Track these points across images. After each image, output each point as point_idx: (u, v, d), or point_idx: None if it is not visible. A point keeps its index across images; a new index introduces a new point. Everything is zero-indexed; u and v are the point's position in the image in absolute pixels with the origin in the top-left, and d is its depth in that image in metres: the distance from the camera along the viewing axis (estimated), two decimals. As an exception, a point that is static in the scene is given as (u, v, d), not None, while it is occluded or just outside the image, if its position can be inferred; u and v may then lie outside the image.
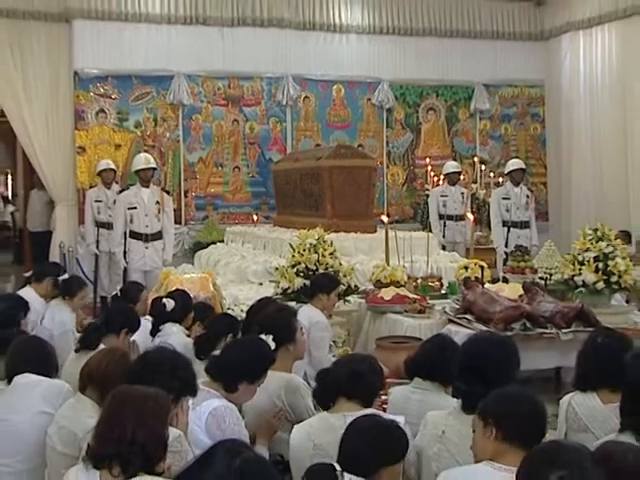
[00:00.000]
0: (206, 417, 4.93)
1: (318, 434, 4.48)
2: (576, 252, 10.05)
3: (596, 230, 10.12)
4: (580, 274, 9.82)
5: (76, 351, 6.41)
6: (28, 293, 8.70)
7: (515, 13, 18.00)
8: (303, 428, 4.75)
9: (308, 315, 7.84)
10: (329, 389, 4.82)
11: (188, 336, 7.17)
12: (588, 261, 9.83)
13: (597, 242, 9.96)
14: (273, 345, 5.69)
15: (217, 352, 5.64)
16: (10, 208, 22.96)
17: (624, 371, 4.76)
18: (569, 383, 5.80)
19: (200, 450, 3.71)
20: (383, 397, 6.68)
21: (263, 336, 5.73)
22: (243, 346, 5.47)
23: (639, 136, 15.92)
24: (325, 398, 4.85)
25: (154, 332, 7.19)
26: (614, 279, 9.80)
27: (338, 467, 3.81)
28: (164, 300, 7.50)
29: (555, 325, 8.45)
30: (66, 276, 9.54)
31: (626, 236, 14.19)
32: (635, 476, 3.29)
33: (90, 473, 3.85)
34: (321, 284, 8.52)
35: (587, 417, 5.11)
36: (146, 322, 7.54)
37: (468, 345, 5.12)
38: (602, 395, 5.12)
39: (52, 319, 8.34)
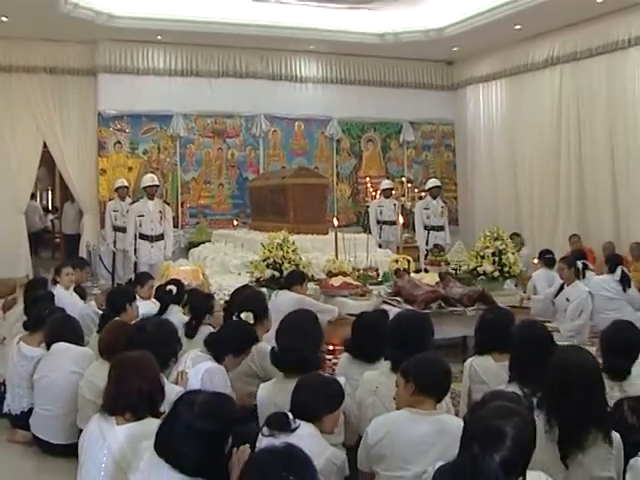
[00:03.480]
0: (202, 374, 4.96)
1: (278, 396, 4.47)
2: (478, 249, 10.15)
3: (493, 232, 10.23)
4: (481, 265, 9.93)
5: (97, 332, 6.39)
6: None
7: (432, 70, 18.01)
8: (266, 390, 4.74)
9: (291, 296, 8.02)
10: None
11: (184, 314, 7.14)
12: (487, 256, 9.94)
13: (494, 241, 10.08)
14: (253, 320, 5.72)
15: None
16: (50, 216, 22.76)
17: (510, 338, 4.82)
18: (472, 348, 5.85)
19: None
20: (334, 361, 6.72)
21: (244, 314, 5.75)
22: (234, 328, 5.47)
23: (524, 162, 16.02)
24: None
25: (162, 312, 7.15)
26: (506, 269, 9.92)
27: (291, 415, 3.85)
28: (169, 287, 7.48)
29: (463, 304, 8.54)
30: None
31: (517, 236, 14.28)
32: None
33: (108, 419, 3.88)
34: (294, 277, 8.58)
35: (484, 373, 5.18)
36: (150, 303, 7.54)
37: (396, 320, 5.14)
38: (495, 356, 5.19)
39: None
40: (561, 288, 9.73)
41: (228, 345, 5.19)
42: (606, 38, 13.67)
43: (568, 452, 3.57)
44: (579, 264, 10.24)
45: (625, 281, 10.09)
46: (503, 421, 2.68)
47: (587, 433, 3.59)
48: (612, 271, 10.24)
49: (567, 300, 9.46)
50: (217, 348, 5.16)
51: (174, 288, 7.46)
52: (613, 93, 13.80)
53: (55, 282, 8.53)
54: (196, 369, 4.97)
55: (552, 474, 3.34)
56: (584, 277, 10.42)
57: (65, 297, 8.12)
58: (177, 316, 6.87)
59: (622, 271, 10.16)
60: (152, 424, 3.58)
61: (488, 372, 5.14)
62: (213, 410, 3.20)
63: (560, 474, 3.56)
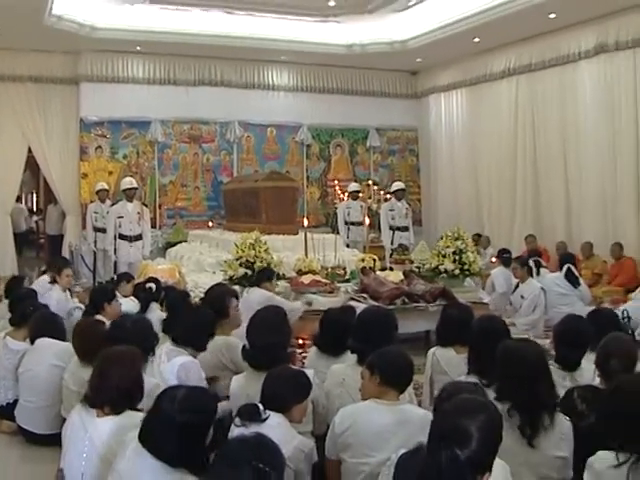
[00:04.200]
0: (177, 368, 4.94)
1: (249, 388, 4.45)
2: (440, 248, 10.16)
3: (453, 233, 10.26)
4: (443, 264, 9.93)
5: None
6: (44, 281, 8.57)
7: (397, 79, 18.07)
8: (238, 382, 4.72)
9: (261, 293, 8.03)
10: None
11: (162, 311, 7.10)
12: (448, 255, 9.95)
13: (454, 241, 10.09)
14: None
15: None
16: (35, 218, 22.57)
17: (469, 331, 4.84)
18: (434, 341, 5.86)
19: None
20: (304, 354, 6.70)
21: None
22: (195, 322, 5.40)
23: (483, 167, 16.11)
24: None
25: (144, 309, 7.09)
26: (466, 267, 9.95)
27: (261, 406, 3.86)
28: (149, 285, 7.44)
29: (425, 301, 8.56)
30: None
31: (478, 236, 14.36)
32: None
33: (89, 410, 3.87)
34: (264, 274, 8.60)
35: (446, 364, 5.20)
36: (130, 301, 7.48)
37: (361, 316, 5.13)
38: (456, 349, 5.22)
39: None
40: (517, 286, 9.80)
41: (187, 339, 5.17)
42: (558, 51, 13.83)
43: (528, 435, 3.63)
44: (531, 262, 10.33)
45: (571, 278, 10.17)
46: (470, 420, 2.60)
47: (540, 418, 3.65)
48: (565, 269, 10.35)
49: (522, 297, 9.54)
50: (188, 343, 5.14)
51: (153, 286, 7.42)
52: (565, 103, 13.94)
53: (54, 281, 8.45)
54: (171, 364, 4.95)
55: (513, 456, 3.45)
56: (538, 274, 10.51)
57: (59, 298, 8.08)
58: (156, 313, 6.84)
59: (568, 269, 10.23)
60: (132, 417, 3.65)
61: (450, 363, 5.17)
62: (193, 404, 3.22)
63: (521, 456, 3.61)
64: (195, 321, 5.31)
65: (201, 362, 5.50)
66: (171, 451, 3.11)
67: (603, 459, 3.21)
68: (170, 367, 4.94)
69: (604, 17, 12.63)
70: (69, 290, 8.86)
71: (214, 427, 3.26)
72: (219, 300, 6.05)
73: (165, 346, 5.18)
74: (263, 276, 8.54)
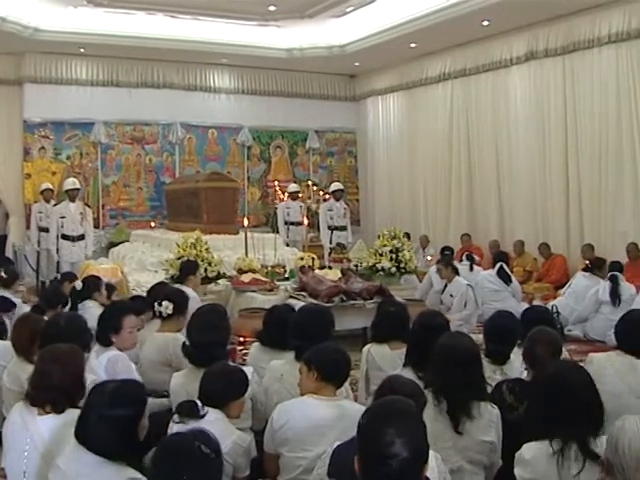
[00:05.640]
0: (105, 362, 4.88)
1: (189, 385, 4.43)
2: (377, 247, 10.24)
3: (390, 232, 10.35)
4: (380, 262, 10.01)
5: None
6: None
7: (336, 82, 18.11)
8: (178, 379, 4.69)
9: (193, 296, 7.79)
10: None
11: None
12: (385, 253, 10.03)
13: (391, 240, 10.18)
14: (171, 310, 5.65)
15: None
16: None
17: (404, 328, 4.90)
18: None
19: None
20: (244, 351, 6.68)
21: (165, 302, 5.69)
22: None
23: (420, 168, 16.22)
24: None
25: (74, 307, 7.00)
26: (402, 265, 10.03)
27: (199, 402, 3.85)
28: (75, 283, 7.38)
29: (363, 298, 8.56)
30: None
31: (406, 236, 14.47)
32: (405, 389, 3.42)
33: (30, 409, 3.80)
34: (188, 267, 8.49)
35: (380, 360, 5.22)
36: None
37: (299, 313, 5.15)
38: (390, 345, 5.24)
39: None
40: (445, 286, 9.89)
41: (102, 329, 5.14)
42: (491, 57, 14.04)
43: (457, 421, 3.70)
44: (465, 258, 10.48)
45: (504, 275, 10.33)
46: (397, 438, 2.38)
47: (470, 405, 3.73)
48: (498, 266, 10.52)
49: (451, 296, 9.63)
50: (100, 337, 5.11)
51: (78, 284, 7.36)
52: (497, 107, 14.15)
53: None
54: (99, 361, 4.91)
55: (443, 441, 3.64)
56: (472, 270, 10.67)
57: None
58: (91, 310, 6.76)
59: (500, 266, 10.41)
60: (73, 415, 3.55)
61: (384, 359, 5.19)
62: (122, 397, 3.20)
63: (449, 441, 3.70)
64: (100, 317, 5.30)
65: (147, 359, 5.51)
66: (106, 445, 3.08)
67: (534, 449, 3.27)
68: (98, 363, 4.91)
69: (534, 25, 12.88)
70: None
71: (150, 421, 3.27)
72: (180, 297, 6.01)
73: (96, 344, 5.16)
74: (187, 270, 8.41)
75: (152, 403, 4.97)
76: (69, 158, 15.67)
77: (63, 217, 12.33)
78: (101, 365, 4.89)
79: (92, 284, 7.43)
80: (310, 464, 3.60)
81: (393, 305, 5.74)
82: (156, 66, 16.15)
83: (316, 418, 3.78)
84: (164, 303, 5.69)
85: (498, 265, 10.41)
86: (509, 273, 10.51)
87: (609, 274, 9.44)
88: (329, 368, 3.93)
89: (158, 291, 6.80)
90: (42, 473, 3.57)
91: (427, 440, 2.50)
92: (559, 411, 3.25)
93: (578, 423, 3.20)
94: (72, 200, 12.52)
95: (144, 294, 7.51)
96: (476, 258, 11.68)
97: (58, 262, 12.37)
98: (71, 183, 12.78)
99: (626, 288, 9.26)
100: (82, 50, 15.00)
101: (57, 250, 12.30)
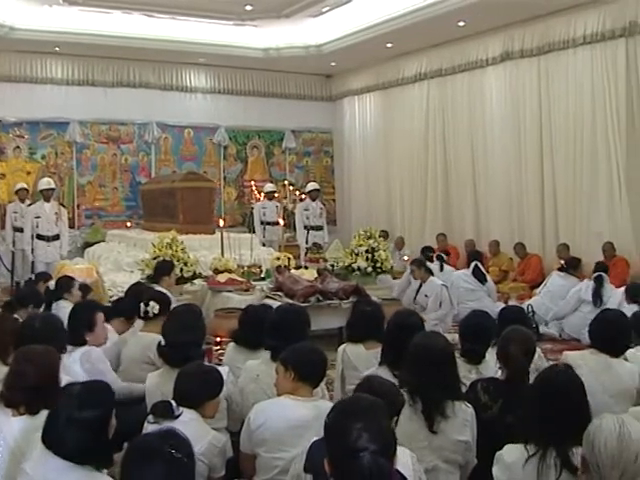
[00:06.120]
0: (80, 356, 4.92)
1: (164, 385, 4.40)
2: (353, 247, 10.25)
3: (366, 232, 10.36)
4: (356, 262, 10.03)
5: None
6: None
7: (313, 82, 18.13)
8: (154, 379, 4.67)
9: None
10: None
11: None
12: (361, 253, 10.05)
13: (367, 240, 10.19)
14: (157, 310, 5.64)
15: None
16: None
17: (379, 327, 4.90)
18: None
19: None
20: (220, 351, 6.67)
21: (152, 302, 5.67)
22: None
23: (396, 168, 16.27)
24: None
25: (48, 307, 6.96)
26: (378, 265, 10.05)
27: (174, 403, 3.84)
28: (48, 283, 7.36)
29: (339, 298, 8.58)
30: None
31: (385, 233, 14.48)
32: (383, 389, 3.44)
33: (4, 409, 3.76)
34: (163, 268, 8.44)
35: (355, 360, 5.22)
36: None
37: (275, 313, 5.13)
38: (365, 345, 5.24)
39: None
40: (420, 286, 9.87)
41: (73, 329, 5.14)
42: (467, 57, 14.10)
43: (432, 421, 3.71)
44: (435, 259, 10.52)
45: (479, 275, 10.36)
46: (364, 432, 2.38)
47: (445, 405, 3.74)
48: (473, 266, 10.54)
49: (426, 296, 9.61)
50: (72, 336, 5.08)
51: (52, 283, 7.33)
52: (473, 107, 14.22)
53: None
54: (72, 358, 4.91)
55: (418, 441, 3.67)
56: (442, 270, 10.69)
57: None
58: (65, 310, 6.71)
59: (476, 265, 10.43)
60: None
61: (359, 359, 5.18)
62: (90, 399, 3.15)
63: (424, 441, 3.71)
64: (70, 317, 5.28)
65: (130, 358, 5.52)
66: (74, 448, 3.03)
67: (513, 452, 3.27)
68: (72, 360, 4.89)
69: (510, 25, 12.94)
70: None
71: (118, 421, 3.22)
72: (165, 299, 5.99)
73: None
74: (161, 271, 8.34)
75: (135, 388, 5.01)
76: (44, 158, 15.57)
77: (38, 217, 12.24)
78: (75, 361, 4.89)
79: (65, 284, 7.39)
80: (287, 464, 3.59)
81: (368, 305, 5.75)
82: (132, 65, 16.07)
83: (293, 419, 3.78)
84: (151, 303, 5.70)
85: (473, 264, 10.43)
86: (484, 272, 10.54)
87: (594, 274, 9.44)
88: (306, 368, 3.91)
89: (136, 291, 6.80)
90: (13, 475, 3.53)
91: (395, 434, 2.52)
92: (553, 411, 3.24)
93: (567, 427, 3.17)
94: (47, 200, 12.44)
95: (121, 294, 7.49)
96: (444, 257, 11.65)
97: (33, 262, 12.26)
98: (46, 183, 12.70)
99: (609, 290, 9.23)
100: (57, 49, 14.90)
101: (32, 250, 12.20)
